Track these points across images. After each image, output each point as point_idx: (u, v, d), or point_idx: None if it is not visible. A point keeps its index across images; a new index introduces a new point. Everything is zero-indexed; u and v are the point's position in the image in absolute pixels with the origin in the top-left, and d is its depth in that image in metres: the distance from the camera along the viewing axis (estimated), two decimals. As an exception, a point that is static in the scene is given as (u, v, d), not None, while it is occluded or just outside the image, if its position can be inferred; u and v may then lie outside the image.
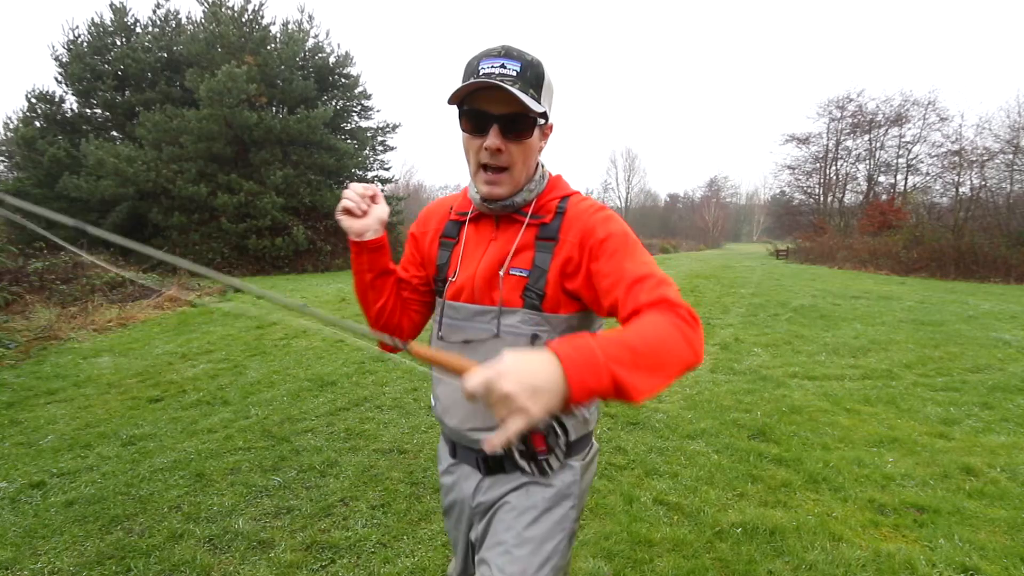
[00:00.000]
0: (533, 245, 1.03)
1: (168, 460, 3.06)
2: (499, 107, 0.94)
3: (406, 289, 1.21)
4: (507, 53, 0.95)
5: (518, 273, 1.02)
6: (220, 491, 2.73)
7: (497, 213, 1.07)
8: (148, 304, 8.16)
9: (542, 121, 0.99)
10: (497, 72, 0.93)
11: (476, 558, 1.07)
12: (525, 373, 0.65)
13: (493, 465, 1.09)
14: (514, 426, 0.64)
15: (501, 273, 1.03)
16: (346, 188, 1.08)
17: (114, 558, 2.18)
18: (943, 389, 4.49)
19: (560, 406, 0.66)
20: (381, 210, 1.09)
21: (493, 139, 0.96)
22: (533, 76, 0.96)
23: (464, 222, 1.12)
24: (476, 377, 0.66)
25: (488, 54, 0.96)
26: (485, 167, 1.00)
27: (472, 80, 0.94)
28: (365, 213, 1.07)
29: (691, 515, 2.53)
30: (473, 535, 1.15)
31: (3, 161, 21.54)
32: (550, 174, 1.12)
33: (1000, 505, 2.63)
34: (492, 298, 1.04)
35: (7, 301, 6.88)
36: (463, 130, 1.01)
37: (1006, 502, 2.65)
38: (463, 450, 1.14)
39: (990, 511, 2.57)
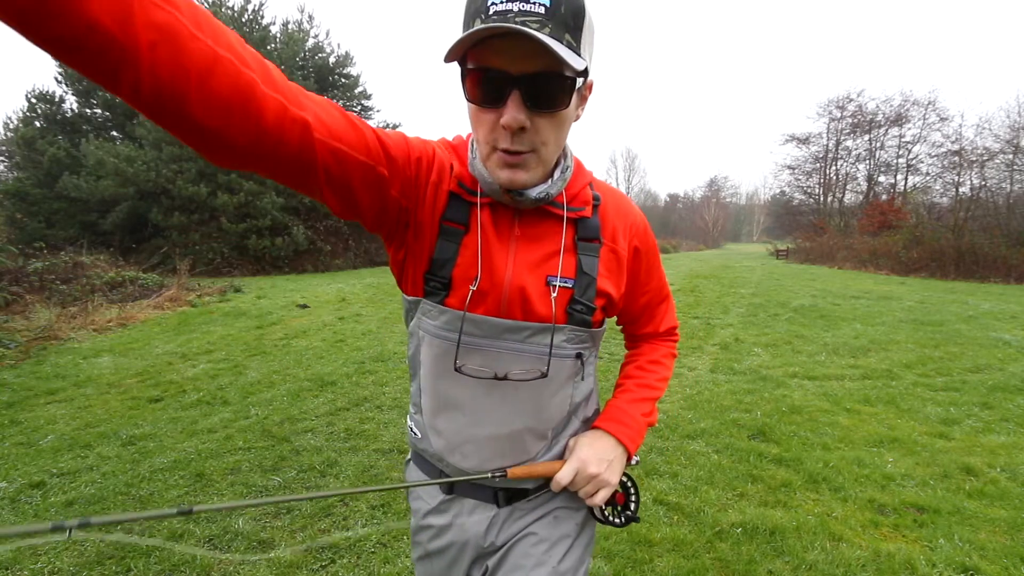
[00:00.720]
0: (574, 246, 0.82)
1: (168, 460, 3.06)
2: (521, 63, 0.64)
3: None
4: None
5: (563, 284, 0.81)
6: (220, 491, 2.73)
7: (527, 207, 0.80)
8: (148, 304, 8.16)
9: (580, 82, 0.69)
10: (516, 9, 0.62)
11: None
12: (600, 456, 0.86)
13: (514, 494, 0.90)
14: (603, 495, 0.86)
15: (554, 283, 0.81)
16: None
17: (114, 558, 2.18)
18: (943, 389, 4.49)
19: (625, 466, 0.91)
20: None
21: (513, 112, 0.66)
22: (570, 12, 0.64)
23: (474, 205, 0.80)
24: (566, 472, 0.84)
25: None
26: (503, 149, 0.71)
27: (480, 25, 0.62)
28: None
29: (691, 515, 2.53)
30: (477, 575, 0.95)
31: (3, 161, 21.55)
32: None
33: (1000, 505, 2.63)
34: (526, 311, 0.80)
35: (7, 301, 6.88)
36: (469, 100, 0.70)
37: (1006, 502, 2.65)
38: (470, 487, 0.90)
39: (990, 511, 2.57)
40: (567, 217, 0.81)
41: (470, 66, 0.67)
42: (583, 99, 0.77)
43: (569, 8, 0.64)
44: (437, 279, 0.80)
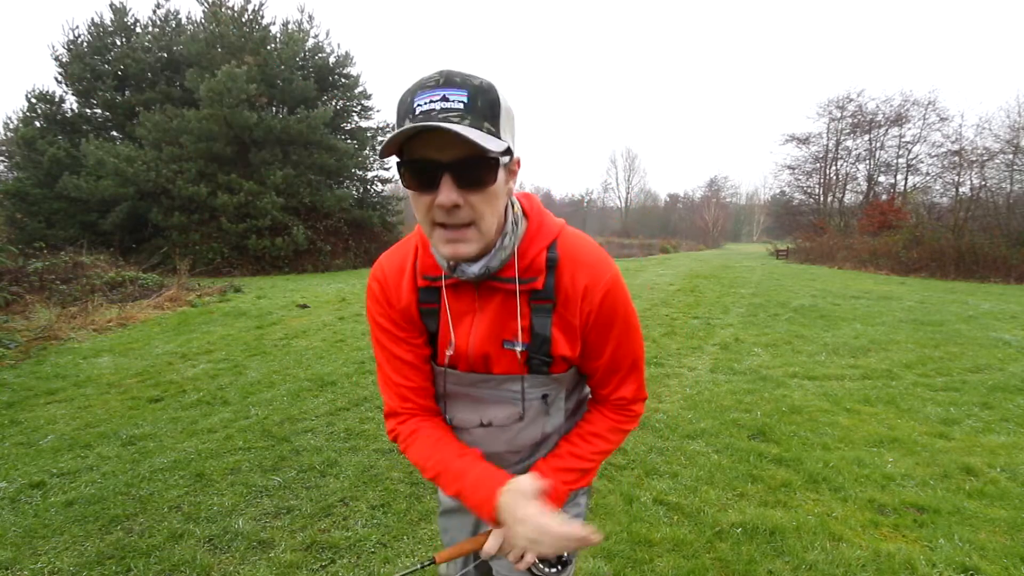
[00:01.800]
0: (528, 310, 0.90)
1: (168, 460, 3.06)
2: (448, 152, 0.74)
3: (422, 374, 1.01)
4: (448, 81, 0.74)
5: (512, 348, 0.92)
6: (220, 491, 2.73)
7: (474, 281, 0.89)
8: (148, 304, 8.17)
9: (506, 159, 0.79)
10: (439, 108, 0.72)
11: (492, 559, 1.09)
12: (528, 531, 0.83)
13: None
14: (529, 559, 0.86)
15: (509, 347, 0.94)
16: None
17: (114, 558, 2.18)
18: (943, 389, 4.49)
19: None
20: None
21: (447, 194, 0.75)
22: (486, 105, 0.74)
23: (439, 288, 0.93)
24: (491, 545, 0.86)
25: (423, 85, 0.74)
26: (443, 225, 0.80)
27: (408, 124, 0.72)
28: None
29: (691, 515, 2.53)
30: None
31: (3, 161, 21.55)
32: (525, 209, 0.92)
33: (1000, 505, 2.63)
34: (489, 368, 0.96)
35: (7, 301, 6.88)
36: (407, 187, 0.79)
37: (1006, 502, 2.65)
38: None
39: (990, 511, 2.57)
40: (519, 290, 0.89)
41: (406, 159, 0.77)
42: (512, 173, 0.86)
43: (485, 101, 0.75)
44: (432, 345, 1.00)
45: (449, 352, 0.96)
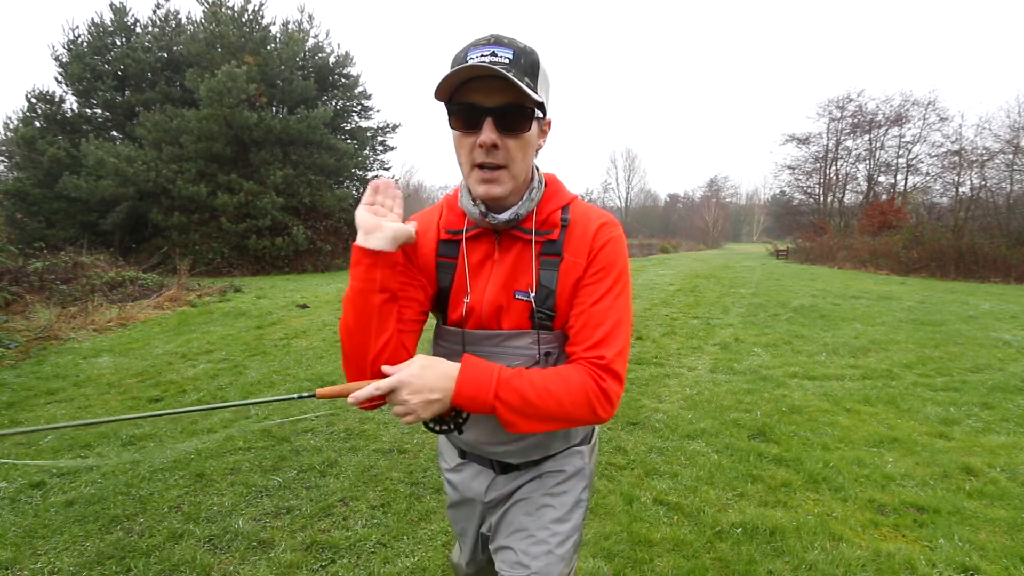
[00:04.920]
0: (538, 264, 0.98)
1: (168, 460, 3.06)
2: (493, 98, 0.86)
3: (407, 316, 1.01)
4: (497, 41, 0.86)
5: (524, 298, 0.97)
6: (220, 491, 2.73)
7: (499, 228, 0.98)
8: (148, 304, 8.17)
9: (540, 115, 0.92)
10: (488, 61, 0.84)
11: (492, 546, 1.13)
12: (423, 387, 0.86)
13: (506, 466, 1.11)
14: (407, 420, 0.87)
15: (519, 296, 0.98)
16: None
17: (114, 558, 2.18)
18: (943, 389, 4.49)
19: (447, 409, 0.90)
20: (400, 227, 0.92)
21: (488, 133, 0.87)
22: (528, 64, 0.87)
23: (460, 241, 1.02)
24: (384, 383, 0.86)
25: (476, 43, 0.87)
26: (481, 166, 0.91)
27: (463, 65, 0.84)
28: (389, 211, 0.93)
29: (691, 515, 2.53)
30: (485, 528, 1.17)
31: (3, 161, 21.55)
32: (545, 176, 1.05)
33: (1000, 505, 2.63)
34: (500, 322, 0.99)
35: (7, 301, 6.88)
36: (453, 128, 0.91)
37: (1006, 502, 2.65)
38: (476, 456, 1.15)
39: (990, 511, 2.57)
40: (535, 240, 0.98)
41: (455, 103, 0.89)
42: (543, 132, 0.98)
43: (527, 61, 0.87)
44: (443, 301, 1.05)
45: (467, 300, 1.00)
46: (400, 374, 0.87)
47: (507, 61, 0.84)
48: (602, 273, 0.96)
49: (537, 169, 1.02)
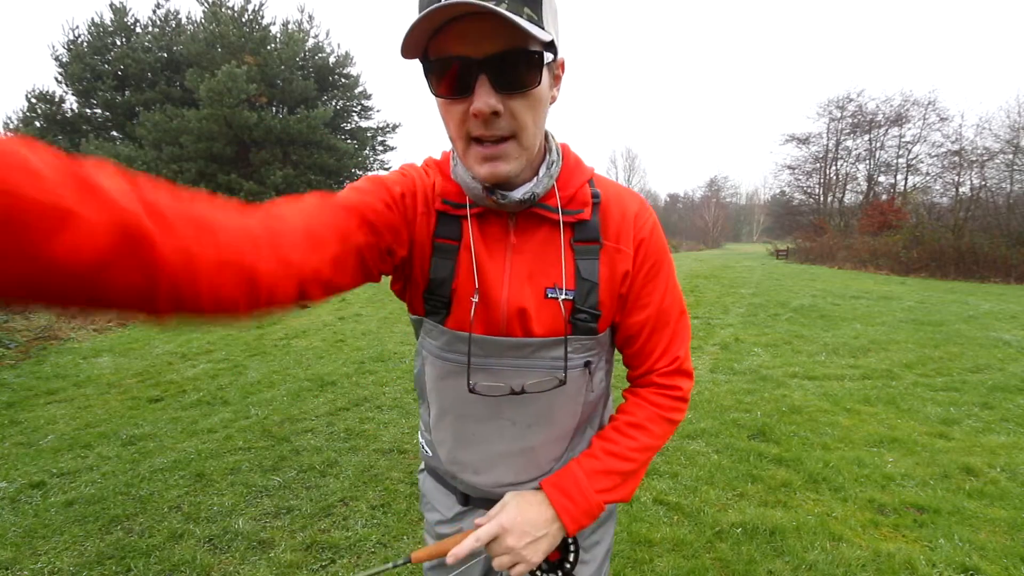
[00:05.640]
0: (571, 251, 0.76)
1: (168, 460, 3.06)
2: (484, 45, 0.60)
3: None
4: None
5: (562, 296, 0.75)
6: (220, 491, 2.73)
7: (512, 210, 0.74)
8: (148, 304, 8.16)
9: (550, 57, 0.65)
10: None
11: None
12: (526, 528, 0.72)
13: None
14: (519, 570, 0.72)
15: (552, 295, 0.76)
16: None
17: (114, 558, 2.18)
18: (943, 389, 4.49)
19: (559, 542, 0.76)
20: None
21: (484, 98, 0.61)
22: None
23: (463, 218, 0.76)
24: (483, 533, 0.72)
25: None
26: (479, 139, 0.66)
27: (433, 6, 0.57)
28: None
29: (691, 515, 2.53)
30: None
31: (3, 161, 21.52)
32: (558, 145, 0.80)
33: (1000, 505, 2.63)
34: (526, 329, 0.76)
35: (7, 301, 6.88)
36: (435, 94, 0.66)
37: (1006, 502, 2.65)
38: (483, 500, 0.89)
39: (990, 511, 2.57)
40: (563, 221, 0.75)
41: (432, 58, 0.63)
42: (556, 78, 0.72)
43: None
44: (437, 297, 0.78)
45: (474, 300, 0.75)
46: (500, 518, 0.73)
47: None
48: (655, 268, 0.79)
49: (550, 134, 0.78)
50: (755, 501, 2.67)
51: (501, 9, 0.57)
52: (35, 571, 2.12)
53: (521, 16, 0.59)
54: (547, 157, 0.76)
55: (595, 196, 0.77)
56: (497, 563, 0.73)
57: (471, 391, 0.78)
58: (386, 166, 22.35)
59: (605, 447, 0.79)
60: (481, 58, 0.61)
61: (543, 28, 0.61)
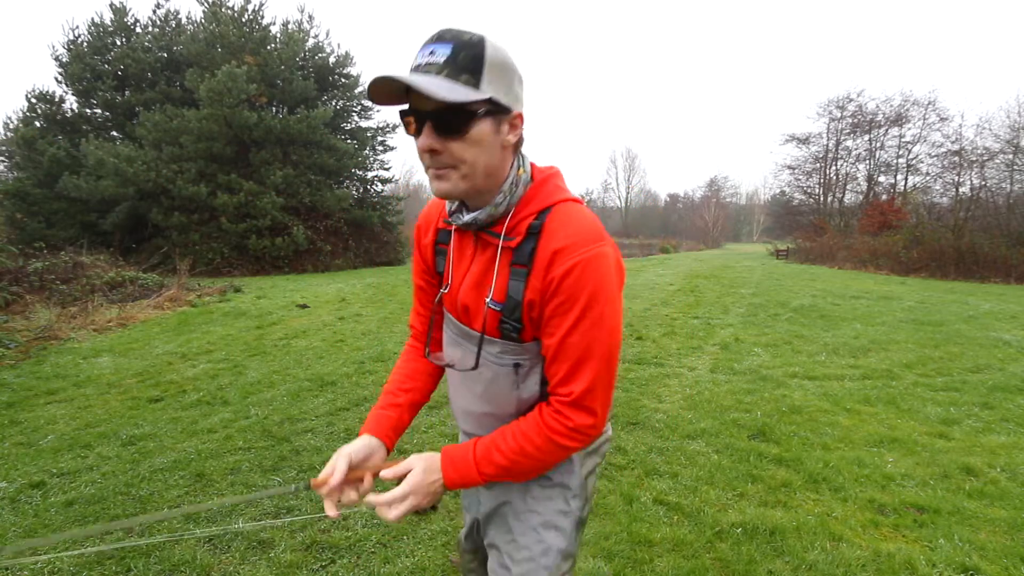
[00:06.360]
0: (507, 272, 0.92)
1: (168, 460, 3.06)
2: (429, 101, 0.80)
3: (429, 302, 1.16)
4: (439, 37, 0.81)
5: (493, 307, 0.94)
6: (220, 491, 2.73)
7: (472, 230, 0.96)
8: (148, 304, 8.16)
9: (483, 110, 0.82)
10: (424, 62, 0.80)
11: (485, 541, 1.16)
12: (427, 490, 0.93)
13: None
14: (411, 508, 0.93)
15: (487, 301, 0.96)
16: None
17: (114, 558, 2.18)
18: (943, 389, 4.49)
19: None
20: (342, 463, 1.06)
21: (424, 139, 0.83)
22: (468, 59, 0.79)
23: (452, 230, 1.03)
24: (392, 496, 0.93)
25: (426, 41, 0.83)
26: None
27: (378, 75, 0.79)
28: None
29: (691, 515, 2.53)
30: (480, 513, 1.19)
31: (3, 161, 21.56)
32: (537, 173, 0.96)
33: (1000, 505, 2.63)
34: (468, 321, 1.01)
35: (7, 301, 6.88)
36: (407, 133, 0.88)
37: (1006, 502, 2.65)
38: None
39: (990, 511, 2.57)
40: (502, 245, 0.93)
41: (400, 108, 0.85)
42: (512, 127, 0.88)
43: (468, 55, 0.80)
44: (437, 279, 1.11)
45: (443, 291, 1.05)
46: (407, 485, 0.92)
47: (441, 60, 0.79)
48: (567, 304, 0.86)
49: (521, 166, 0.93)
50: (755, 501, 2.67)
51: (426, 82, 0.77)
52: (35, 571, 2.12)
53: (458, 81, 0.79)
54: (502, 188, 0.90)
55: (532, 228, 0.90)
56: (387, 497, 0.94)
57: (424, 357, 1.16)
58: (386, 166, 22.36)
59: (495, 437, 0.96)
60: (426, 111, 0.82)
61: (477, 88, 0.80)
